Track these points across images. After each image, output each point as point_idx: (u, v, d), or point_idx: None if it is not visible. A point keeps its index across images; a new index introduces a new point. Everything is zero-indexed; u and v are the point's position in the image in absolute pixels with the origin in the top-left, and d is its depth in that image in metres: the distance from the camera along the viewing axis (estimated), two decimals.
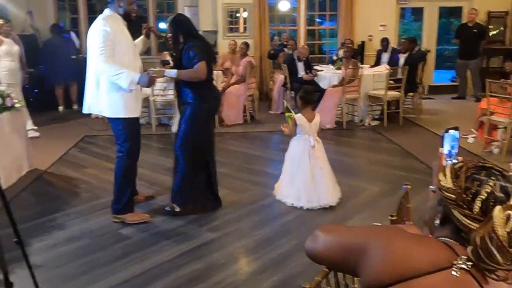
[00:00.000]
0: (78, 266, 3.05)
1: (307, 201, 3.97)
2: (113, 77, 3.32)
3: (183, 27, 3.66)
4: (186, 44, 3.60)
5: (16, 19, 8.29)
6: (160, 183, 4.60)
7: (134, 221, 3.66)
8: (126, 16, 3.51)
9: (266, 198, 4.24)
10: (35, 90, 8.09)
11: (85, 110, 3.62)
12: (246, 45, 7.68)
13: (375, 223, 1.94)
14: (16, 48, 6.33)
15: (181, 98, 3.76)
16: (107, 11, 3.48)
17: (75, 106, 8.55)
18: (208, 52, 3.72)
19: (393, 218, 2.15)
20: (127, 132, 3.55)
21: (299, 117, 4.01)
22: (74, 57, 8.43)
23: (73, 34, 9.24)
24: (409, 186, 2.25)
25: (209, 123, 3.91)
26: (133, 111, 3.53)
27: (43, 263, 3.06)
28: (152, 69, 3.55)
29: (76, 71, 7.38)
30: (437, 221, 1.14)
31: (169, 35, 3.66)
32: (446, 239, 1.09)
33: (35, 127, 6.53)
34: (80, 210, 3.99)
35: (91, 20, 7.02)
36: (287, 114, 4.17)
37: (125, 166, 3.64)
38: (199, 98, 3.66)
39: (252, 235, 3.50)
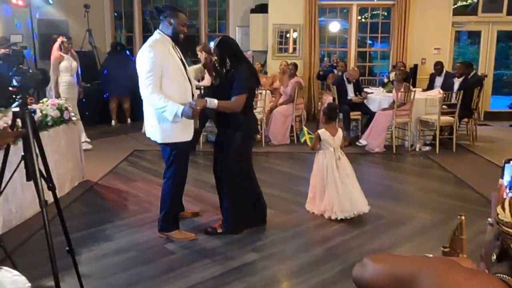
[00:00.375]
0: (125, 278, 3.10)
1: (340, 211, 4.09)
2: (159, 110, 3.38)
3: (229, 49, 3.67)
4: (232, 67, 3.62)
5: (76, 36, 8.74)
6: (205, 200, 4.63)
7: (180, 239, 3.69)
8: (174, 37, 3.53)
9: (312, 221, 4.17)
10: (90, 105, 8.44)
11: (147, 134, 3.69)
12: (295, 66, 7.72)
13: (427, 254, 1.86)
14: (75, 64, 6.66)
15: (218, 120, 3.78)
16: (156, 34, 3.52)
17: (128, 121, 8.86)
18: (252, 78, 3.70)
19: (445, 250, 2.04)
20: (175, 156, 3.57)
21: (322, 132, 4.22)
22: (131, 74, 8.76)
23: None
24: (463, 217, 2.14)
25: (248, 148, 3.86)
26: (182, 135, 3.54)
27: (91, 272, 3.13)
28: (195, 99, 3.56)
29: (131, 88, 7.65)
30: (494, 257, 1.08)
31: (215, 57, 3.70)
32: (503, 275, 1.02)
33: (88, 140, 6.79)
34: (128, 222, 4.07)
35: (145, 38, 7.28)
36: (308, 136, 4.35)
37: (172, 190, 3.68)
38: (237, 124, 3.65)
39: (297, 258, 3.44)
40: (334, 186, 4.13)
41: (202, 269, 3.23)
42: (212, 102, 3.50)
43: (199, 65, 4.06)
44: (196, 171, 5.64)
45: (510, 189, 1.49)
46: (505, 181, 1.46)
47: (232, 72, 3.63)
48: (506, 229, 1.02)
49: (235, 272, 3.20)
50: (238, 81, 3.55)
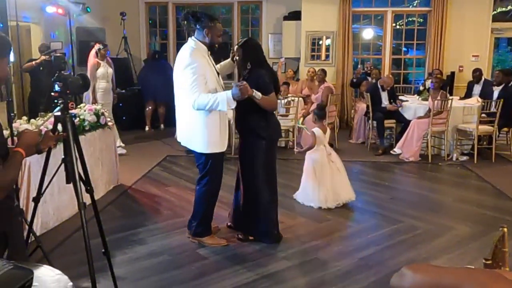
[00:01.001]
0: (157, 281, 3.12)
1: (333, 200, 4.56)
2: (212, 107, 3.33)
3: (253, 53, 3.63)
4: (253, 70, 3.57)
5: (112, 43, 8.96)
6: None
7: (212, 245, 3.70)
8: (210, 47, 3.53)
9: (344, 230, 4.11)
10: (125, 110, 8.62)
11: (178, 139, 3.71)
12: (324, 71, 7.70)
13: (468, 266, 1.79)
14: (110, 71, 6.82)
15: (242, 125, 3.71)
16: (192, 42, 3.50)
17: (161, 126, 9.00)
18: (271, 84, 3.63)
19: (487, 262, 1.96)
20: (211, 167, 3.56)
21: (316, 130, 4.66)
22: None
23: None
24: (505, 229, 2.06)
25: (273, 153, 3.78)
26: (219, 146, 3.53)
27: (125, 275, 3.17)
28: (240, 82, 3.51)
29: (166, 94, 7.77)
30: None
31: (237, 57, 3.66)
32: None
33: (123, 145, 6.92)
34: (161, 226, 4.11)
35: (178, 45, 7.35)
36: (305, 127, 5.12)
37: (206, 197, 3.67)
38: (260, 130, 3.60)
39: (329, 267, 3.39)
40: (327, 180, 4.58)
41: (233, 275, 3.22)
42: (258, 93, 3.42)
43: (228, 60, 3.95)
44: (228, 177, 5.64)
45: None
46: None
47: (251, 75, 3.56)
48: None
49: (266, 280, 3.17)
50: (262, 82, 3.49)
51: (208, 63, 3.51)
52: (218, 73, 3.64)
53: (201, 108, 3.37)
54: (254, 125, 3.60)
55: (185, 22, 3.61)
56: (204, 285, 3.09)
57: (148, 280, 3.15)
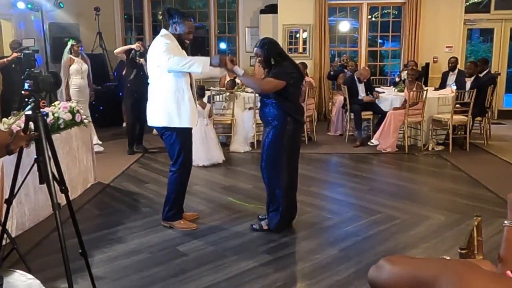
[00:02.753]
0: (137, 280, 3.09)
1: (206, 159, 5.98)
2: (186, 66, 3.43)
3: (274, 49, 3.71)
4: (277, 65, 3.65)
5: (87, 39, 8.80)
6: (216, 201, 4.63)
7: (182, 228, 3.86)
8: (180, 42, 3.66)
9: (324, 222, 4.14)
10: (101, 107, 8.48)
11: (149, 123, 3.83)
12: (304, 65, 7.68)
13: (444, 257, 1.82)
14: (85, 67, 6.70)
15: (265, 118, 3.75)
16: (164, 31, 3.67)
17: None
18: (295, 73, 3.68)
19: (463, 252, 2.00)
20: (180, 144, 3.68)
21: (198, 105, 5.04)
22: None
23: None
24: (480, 218, 2.10)
25: (296, 142, 3.82)
26: (187, 121, 3.64)
27: (104, 274, 3.13)
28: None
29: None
30: None
31: (259, 58, 3.73)
32: None
33: (100, 142, 6.82)
34: (140, 224, 4.07)
35: None
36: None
37: (178, 181, 3.83)
38: (284, 119, 3.63)
39: (309, 259, 3.41)
40: (202, 144, 5.93)
41: (214, 270, 3.21)
42: (238, 69, 3.61)
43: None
44: (207, 172, 5.65)
45: None
46: None
47: (275, 69, 3.65)
48: None
49: (248, 274, 3.17)
50: (278, 69, 3.61)
51: (179, 50, 3.64)
52: None
53: (173, 67, 3.46)
54: (276, 115, 3.65)
55: (162, 17, 3.79)
56: (185, 281, 3.07)
57: (128, 278, 3.12)
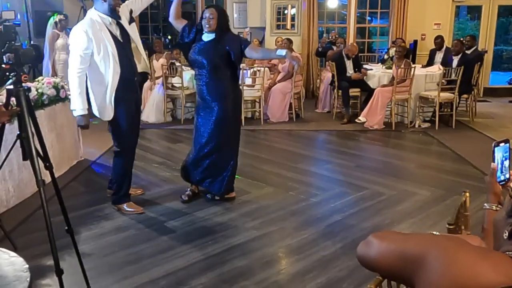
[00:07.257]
0: (124, 256, 3.09)
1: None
2: (72, 91, 3.41)
3: (226, 19, 3.79)
4: (222, 34, 3.69)
5: (71, 14, 8.57)
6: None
7: (130, 212, 3.78)
8: (112, 13, 3.40)
9: (311, 198, 4.16)
10: None
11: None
12: (290, 41, 7.59)
13: (433, 232, 1.83)
14: None
15: (210, 95, 3.78)
16: (89, 12, 3.44)
17: None
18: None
19: (451, 227, 2.02)
20: (116, 135, 3.72)
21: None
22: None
23: None
24: (467, 194, 2.12)
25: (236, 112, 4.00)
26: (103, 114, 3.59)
27: (91, 251, 3.12)
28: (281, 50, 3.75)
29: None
30: (506, 234, 1.06)
31: (211, 17, 3.65)
32: None
33: None
34: None
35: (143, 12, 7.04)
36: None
37: (122, 162, 3.79)
38: (229, 95, 3.81)
39: (296, 235, 3.44)
40: None
41: (202, 247, 3.22)
42: (282, 52, 3.66)
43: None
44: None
45: (502, 172, 1.47)
46: (497, 164, 1.44)
47: (224, 37, 3.69)
48: None
49: (236, 250, 3.20)
50: (240, 38, 3.84)
51: (105, 35, 3.37)
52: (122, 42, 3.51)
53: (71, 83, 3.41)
54: (224, 91, 3.83)
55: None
56: (172, 258, 3.08)
57: (115, 255, 3.12)
